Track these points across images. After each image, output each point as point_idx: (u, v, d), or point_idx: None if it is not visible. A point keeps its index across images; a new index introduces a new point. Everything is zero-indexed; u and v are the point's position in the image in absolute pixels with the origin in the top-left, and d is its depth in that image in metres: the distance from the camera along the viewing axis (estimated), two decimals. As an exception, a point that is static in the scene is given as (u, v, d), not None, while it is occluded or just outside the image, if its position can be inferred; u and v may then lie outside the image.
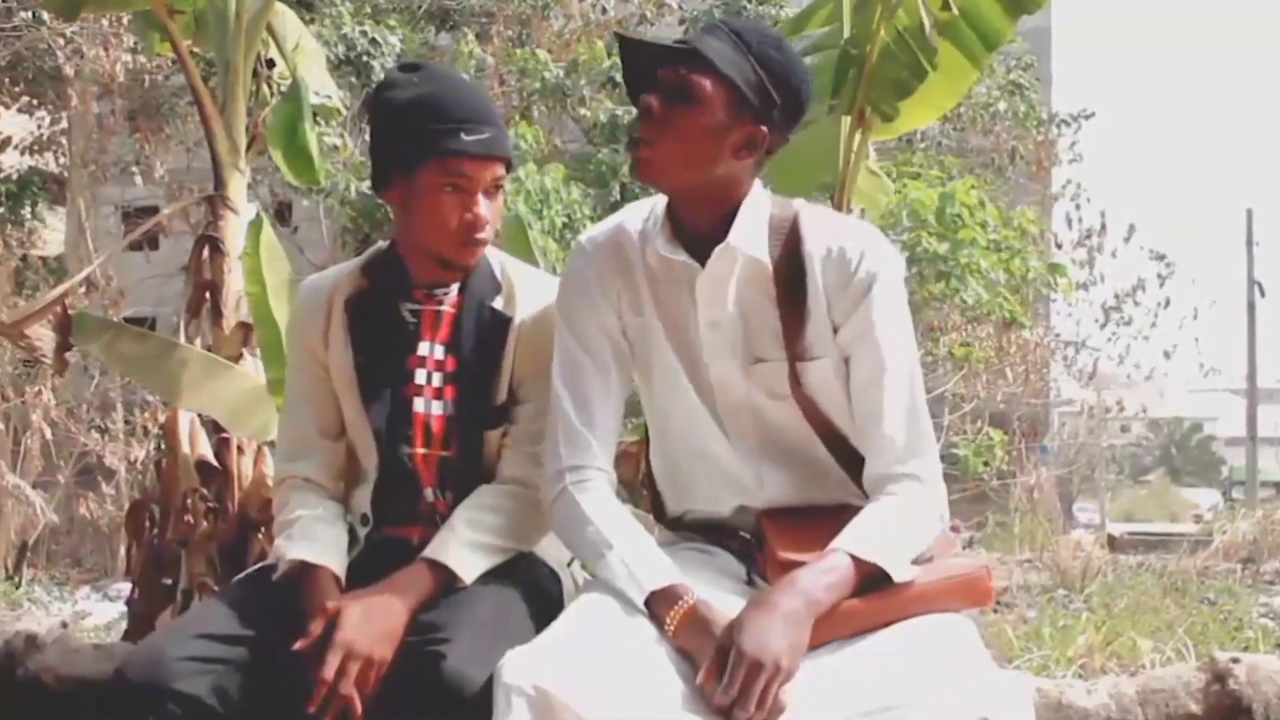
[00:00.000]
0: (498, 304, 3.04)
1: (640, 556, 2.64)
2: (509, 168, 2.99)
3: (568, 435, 2.79)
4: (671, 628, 2.52)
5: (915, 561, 2.62)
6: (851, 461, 2.79)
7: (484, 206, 2.92)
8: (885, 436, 2.71)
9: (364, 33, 15.44)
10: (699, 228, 2.75)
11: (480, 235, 2.93)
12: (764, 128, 2.68)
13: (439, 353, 3.01)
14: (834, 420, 2.79)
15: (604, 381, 2.82)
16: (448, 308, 3.03)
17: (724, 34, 2.70)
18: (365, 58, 15.01)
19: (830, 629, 2.50)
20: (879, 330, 2.72)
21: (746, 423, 2.81)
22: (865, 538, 2.59)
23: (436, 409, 3.00)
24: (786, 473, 2.81)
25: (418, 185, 2.91)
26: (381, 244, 3.16)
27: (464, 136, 2.87)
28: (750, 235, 2.74)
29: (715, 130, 2.66)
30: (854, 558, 2.55)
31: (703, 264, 2.75)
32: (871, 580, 2.55)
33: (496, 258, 3.11)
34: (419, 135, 2.89)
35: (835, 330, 2.74)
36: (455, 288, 3.03)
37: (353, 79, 14.99)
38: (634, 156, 2.75)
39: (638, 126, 2.73)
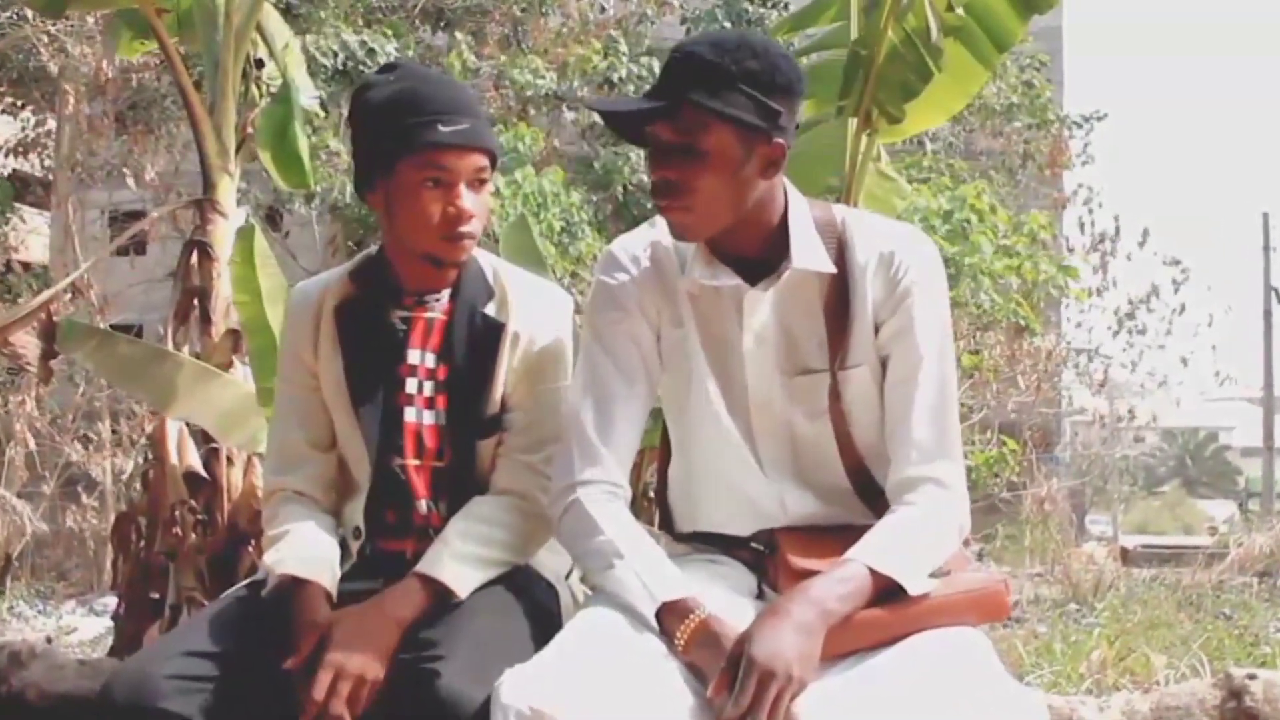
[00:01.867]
0: (490, 310, 3.02)
1: (652, 567, 2.63)
2: (494, 162, 2.97)
3: (583, 448, 2.78)
4: (682, 642, 2.50)
5: (931, 574, 2.62)
6: (872, 494, 2.80)
7: (468, 199, 2.90)
8: (912, 435, 2.71)
9: (363, 42, 15.45)
10: (742, 250, 2.75)
11: (466, 229, 2.91)
12: (778, 140, 2.67)
13: (430, 361, 3.00)
14: (864, 444, 2.80)
15: (628, 395, 2.80)
16: (439, 314, 3.02)
17: (699, 67, 2.63)
18: (362, 68, 15.02)
19: (843, 640, 2.50)
20: (918, 329, 2.73)
21: (780, 446, 2.81)
22: (882, 548, 2.59)
23: (428, 418, 3.00)
24: (811, 501, 2.81)
25: (398, 183, 2.90)
26: (371, 249, 3.15)
27: (441, 128, 2.86)
28: (810, 251, 2.73)
29: (735, 171, 2.64)
30: (870, 568, 2.55)
31: (749, 281, 2.75)
32: (886, 592, 2.55)
33: (489, 262, 3.09)
34: (396, 132, 2.88)
35: (877, 330, 2.75)
36: (447, 294, 3.03)
37: (349, 87, 14.99)
38: (667, 221, 2.73)
39: (657, 192, 2.70)
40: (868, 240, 2.77)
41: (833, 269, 2.74)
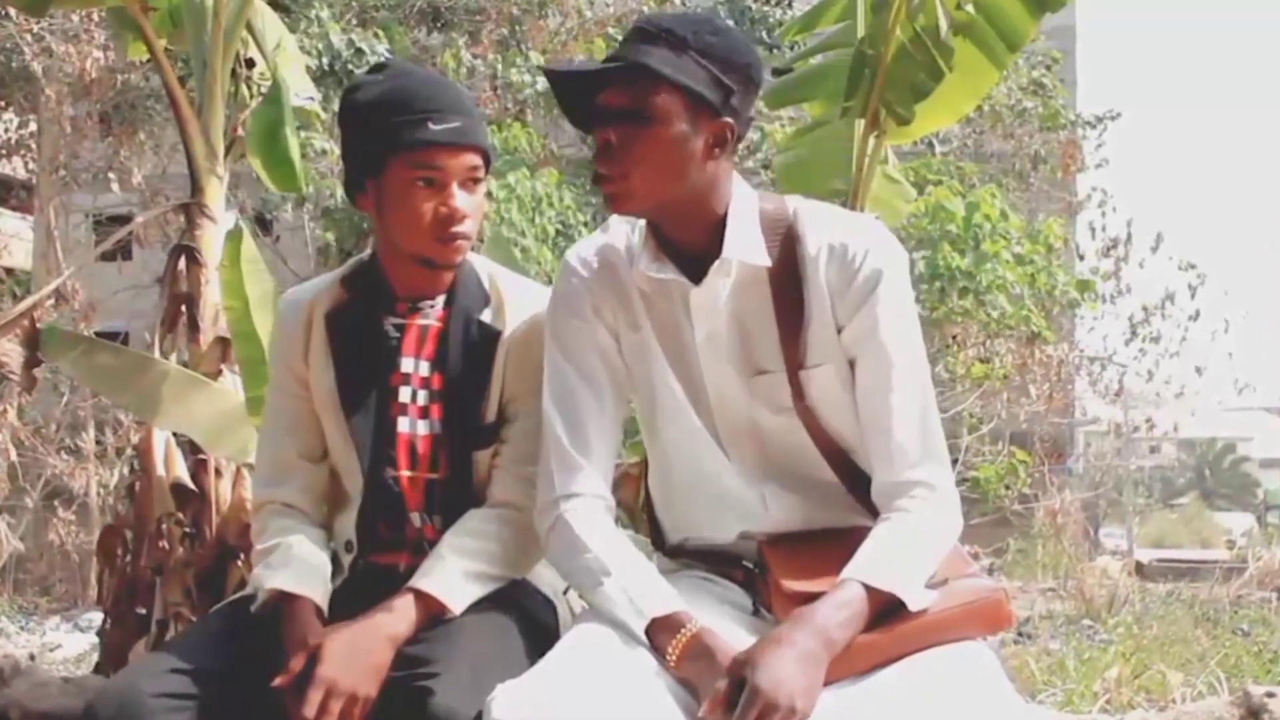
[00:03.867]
0: (486, 317, 3.02)
1: (641, 583, 2.63)
2: (488, 162, 2.98)
3: (561, 462, 2.78)
4: (673, 658, 2.50)
5: (929, 584, 2.61)
6: (857, 481, 2.78)
7: (461, 199, 2.90)
8: (894, 440, 2.70)
9: (350, 41, 15.44)
10: (686, 242, 2.75)
11: (459, 229, 2.90)
12: (728, 119, 2.67)
13: (424, 369, 3.00)
14: (839, 435, 2.79)
15: (598, 403, 2.81)
16: (433, 321, 3.02)
17: (654, 36, 2.65)
18: (350, 68, 15.02)
19: (845, 665, 2.49)
20: (885, 329, 2.71)
21: (748, 442, 2.80)
22: (878, 564, 2.58)
23: (422, 429, 3.00)
24: (792, 495, 2.80)
25: (389, 184, 2.90)
26: (363, 255, 3.15)
27: (431, 126, 2.86)
28: (745, 242, 2.72)
29: (680, 141, 2.64)
30: (867, 587, 2.54)
31: (694, 278, 2.74)
32: (886, 608, 2.54)
33: (485, 268, 3.10)
34: (385, 131, 2.88)
35: (839, 331, 2.74)
36: (441, 300, 3.03)
37: (336, 88, 14.98)
38: (603, 193, 2.73)
39: (597, 159, 2.71)
40: (818, 232, 2.75)
41: (767, 261, 2.72)
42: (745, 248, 2.72)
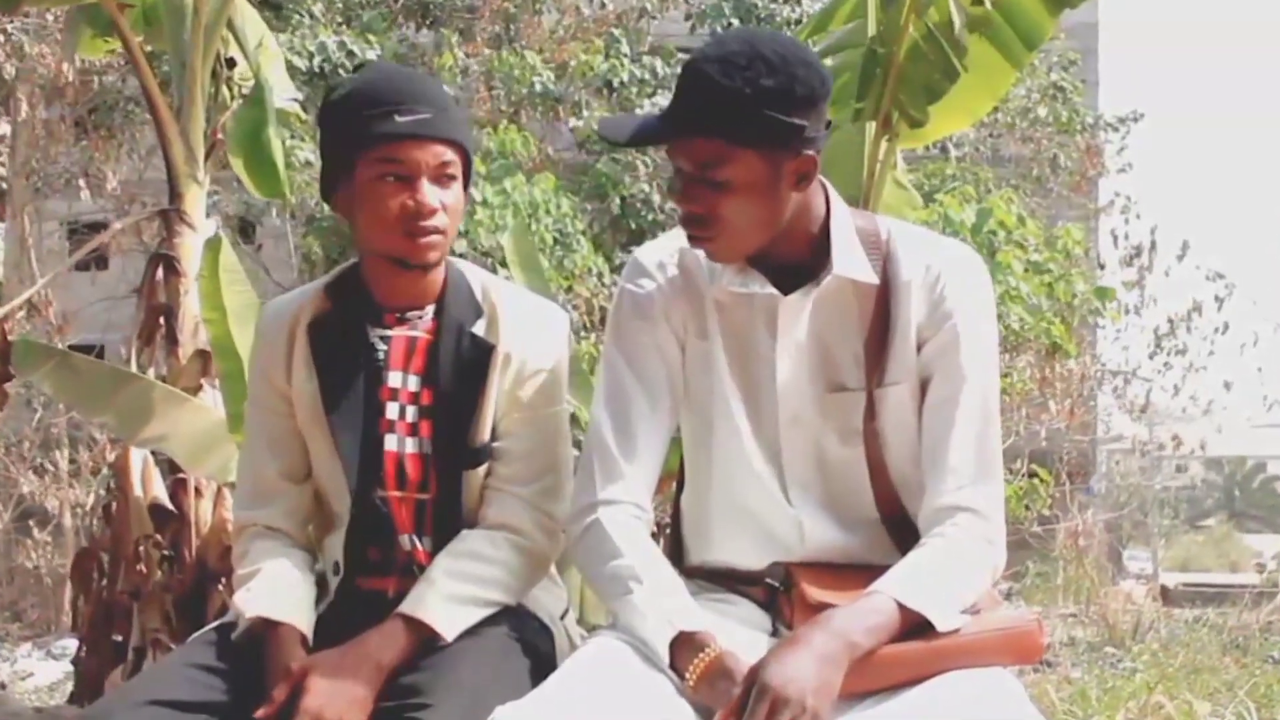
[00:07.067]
0: (479, 330, 3.00)
1: (672, 596, 2.64)
2: (468, 158, 2.95)
3: (604, 466, 2.78)
4: (692, 679, 2.50)
5: (962, 612, 2.61)
6: (899, 528, 2.80)
7: (430, 193, 2.86)
8: (949, 459, 2.72)
9: (342, 43, 15.45)
10: (779, 256, 2.75)
11: (429, 223, 2.87)
12: (807, 152, 2.65)
13: (413, 384, 2.98)
14: (897, 469, 2.81)
15: (652, 411, 2.81)
16: (422, 333, 3.00)
17: (710, 93, 2.60)
18: (340, 70, 15.02)
19: (866, 678, 2.49)
20: (963, 349, 2.75)
21: (809, 467, 2.81)
22: (912, 581, 2.58)
23: (410, 447, 2.98)
24: (832, 528, 2.81)
25: (359, 183, 2.89)
26: (350, 261, 3.13)
27: (397, 119, 2.85)
28: (851, 259, 2.75)
29: (762, 194, 2.64)
30: (897, 602, 2.54)
31: (783, 289, 2.75)
32: (914, 628, 2.54)
33: (478, 278, 3.08)
34: (353, 128, 2.87)
35: (919, 348, 2.77)
36: (430, 311, 3.01)
37: (326, 91, 14.95)
38: (703, 251, 2.75)
39: (685, 223, 2.72)
40: (913, 255, 2.79)
41: (875, 279, 2.75)
42: (852, 264, 2.75)
